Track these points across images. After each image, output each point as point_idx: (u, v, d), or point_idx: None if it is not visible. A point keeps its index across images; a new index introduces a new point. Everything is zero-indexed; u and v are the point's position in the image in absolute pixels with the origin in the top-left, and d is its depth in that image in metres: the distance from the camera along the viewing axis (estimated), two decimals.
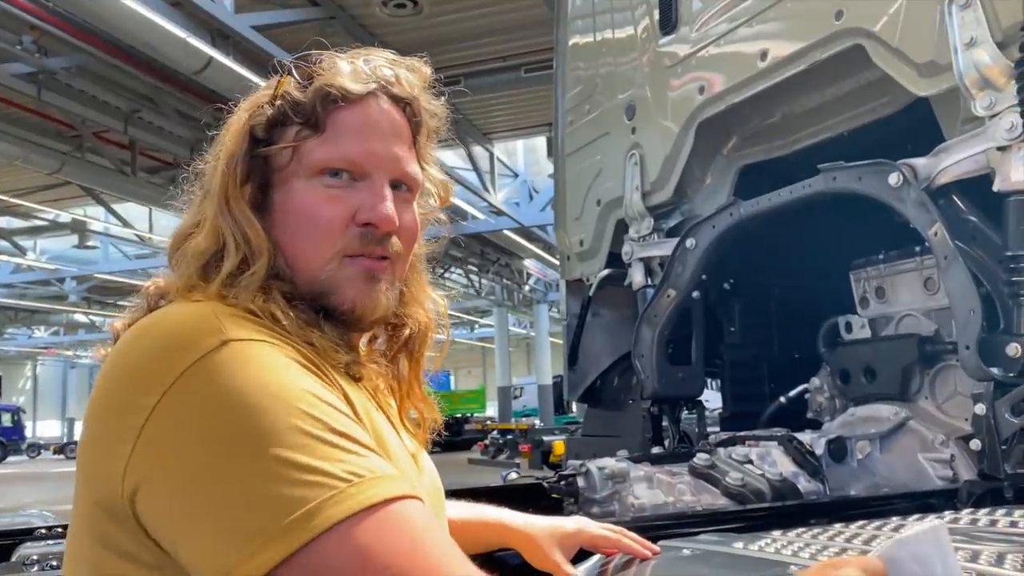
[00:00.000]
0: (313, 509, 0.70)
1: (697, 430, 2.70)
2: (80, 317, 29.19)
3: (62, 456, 28.91)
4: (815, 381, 2.51)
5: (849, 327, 2.47)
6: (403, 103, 0.98)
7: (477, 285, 23.08)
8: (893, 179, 1.89)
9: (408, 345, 1.05)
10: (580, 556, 1.26)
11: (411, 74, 1.00)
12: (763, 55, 2.29)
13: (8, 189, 14.12)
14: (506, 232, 16.18)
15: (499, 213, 15.00)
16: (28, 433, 32.36)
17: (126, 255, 19.53)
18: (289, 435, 0.73)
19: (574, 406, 21.87)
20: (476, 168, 13.74)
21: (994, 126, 1.69)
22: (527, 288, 23.45)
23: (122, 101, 10.59)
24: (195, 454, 0.73)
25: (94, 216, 16.71)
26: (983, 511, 1.43)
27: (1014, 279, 1.67)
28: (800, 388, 2.55)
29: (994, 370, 1.66)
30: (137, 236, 16.94)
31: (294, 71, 0.96)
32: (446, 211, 1.13)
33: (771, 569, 1.09)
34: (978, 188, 1.82)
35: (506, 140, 14.80)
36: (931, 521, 1.28)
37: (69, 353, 38.40)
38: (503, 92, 11.09)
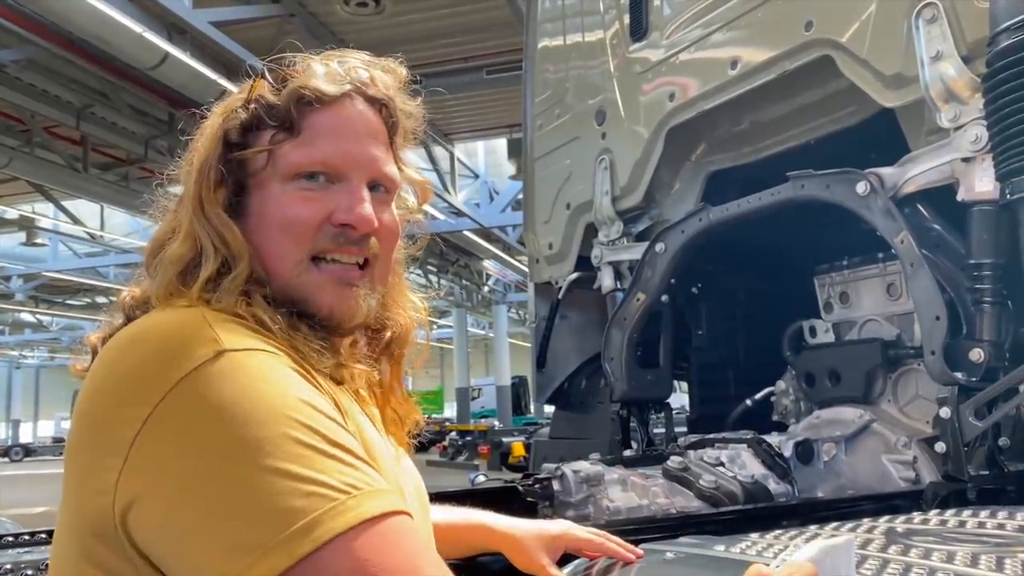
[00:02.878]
0: (313, 521, 0.70)
1: (665, 432, 2.74)
2: (27, 316, 28.45)
3: (6, 459, 28.14)
4: (780, 384, 2.56)
5: (813, 331, 2.52)
6: (379, 104, 0.98)
7: (436, 285, 23.03)
8: (861, 188, 1.94)
9: (389, 347, 1.05)
10: (563, 560, 1.27)
11: (386, 75, 1.00)
12: (733, 63, 2.33)
13: None
14: (466, 233, 16.17)
15: (459, 214, 14.99)
16: None
17: (76, 253, 19.10)
18: (286, 446, 0.73)
19: (532, 407, 21.90)
20: (436, 168, 13.71)
21: (959, 138, 1.74)
22: (486, 289, 23.46)
23: (74, 96, 10.36)
24: (191, 466, 0.72)
25: (43, 213, 16.31)
26: (950, 512, 1.47)
27: (976, 286, 1.73)
28: (766, 391, 2.60)
29: (958, 375, 1.71)
30: (88, 234, 16.59)
31: (267, 74, 0.96)
32: (423, 212, 1.13)
33: None
34: (942, 198, 1.87)
35: (467, 141, 14.80)
36: (847, 532, 1.33)
37: (14, 353, 37.39)
38: (464, 93, 11.09)
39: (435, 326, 33.39)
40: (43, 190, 13.60)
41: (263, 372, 0.78)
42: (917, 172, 1.87)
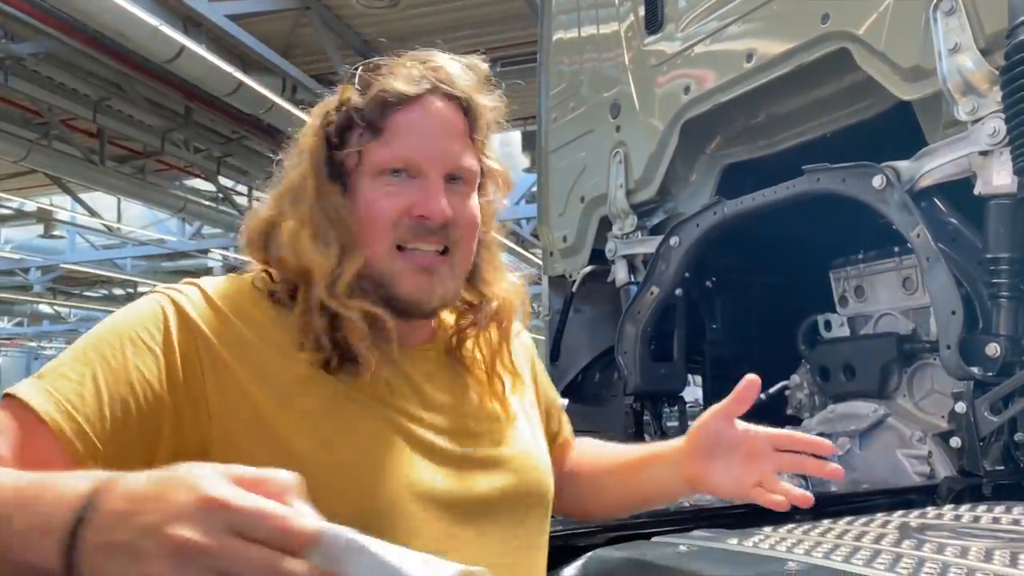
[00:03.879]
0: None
1: (679, 425, 2.74)
2: (45, 308, 28.71)
3: None
4: (795, 378, 2.55)
5: (828, 325, 2.52)
6: (457, 100, 1.04)
7: None
8: (877, 181, 1.93)
9: (497, 317, 1.13)
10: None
11: (466, 71, 1.06)
12: (749, 56, 2.32)
13: None
14: None
15: None
16: None
17: (93, 245, 19.25)
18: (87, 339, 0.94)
19: None
20: None
21: (976, 131, 1.73)
22: None
23: (91, 88, 10.44)
24: None
25: (60, 205, 16.44)
26: (964, 507, 1.47)
27: (994, 281, 1.72)
28: (780, 385, 2.59)
29: (974, 369, 1.71)
30: (105, 226, 16.70)
31: (356, 78, 1.04)
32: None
33: (770, 565, 1.11)
34: (959, 191, 1.86)
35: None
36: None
37: (33, 344, 37.73)
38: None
39: None
40: (60, 182, 13.72)
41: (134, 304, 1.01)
42: (934, 166, 1.86)
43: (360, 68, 1.05)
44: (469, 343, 1.12)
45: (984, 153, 1.71)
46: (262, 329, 0.99)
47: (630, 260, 2.80)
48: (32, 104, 10.94)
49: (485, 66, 1.09)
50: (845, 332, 2.46)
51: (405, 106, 1.02)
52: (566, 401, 3.06)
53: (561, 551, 1.28)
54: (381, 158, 1.01)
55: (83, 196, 15.05)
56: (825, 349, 2.43)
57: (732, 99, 2.41)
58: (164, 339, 0.93)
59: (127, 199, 14.79)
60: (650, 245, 2.69)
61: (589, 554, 1.27)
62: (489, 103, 1.08)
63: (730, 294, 2.85)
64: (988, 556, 1.08)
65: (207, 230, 17.31)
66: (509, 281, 1.16)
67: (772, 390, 2.62)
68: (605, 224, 2.95)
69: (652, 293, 2.60)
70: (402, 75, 1.03)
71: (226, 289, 1.03)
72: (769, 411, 2.58)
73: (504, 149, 15.58)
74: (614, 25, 2.94)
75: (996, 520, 1.30)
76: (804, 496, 1.11)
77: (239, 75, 8.67)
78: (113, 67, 9.79)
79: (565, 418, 1.36)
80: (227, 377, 0.94)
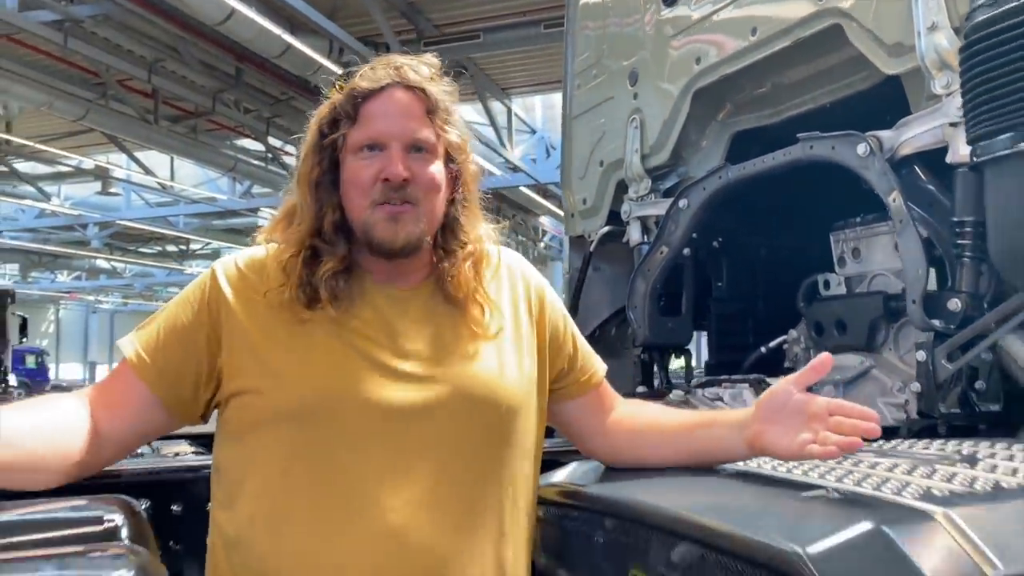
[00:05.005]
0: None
1: (685, 375, 2.94)
2: (102, 263, 29.61)
3: None
4: (793, 333, 2.72)
5: (827, 284, 2.67)
6: (414, 90, 1.33)
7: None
8: (861, 149, 2.09)
9: (472, 258, 1.40)
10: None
11: (420, 67, 1.36)
12: (753, 30, 2.46)
13: (33, 135, 14.36)
14: (522, 188, 16.31)
15: (515, 169, 15.13)
16: (51, 375, 33.01)
17: (147, 202, 19.82)
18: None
19: None
20: (493, 124, 13.86)
21: (948, 103, 1.87)
22: (542, 245, 23.60)
23: (146, 50, 10.76)
24: None
25: (116, 163, 16.96)
26: (910, 441, 1.65)
27: (958, 242, 1.88)
28: (779, 339, 2.77)
29: (935, 322, 1.87)
30: (159, 184, 17.20)
31: (339, 83, 1.36)
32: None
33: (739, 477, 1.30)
34: (938, 159, 2.01)
35: (524, 95, 14.87)
36: None
37: (91, 298, 38.94)
38: (522, 48, 11.17)
39: None
40: (117, 141, 14.17)
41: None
42: (911, 135, 2.01)
43: (341, 75, 1.38)
44: (458, 282, 1.37)
45: (954, 125, 1.86)
46: (266, 282, 1.34)
47: (643, 221, 2.98)
48: (90, 65, 11.30)
49: (436, 61, 1.40)
50: (842, 291, 2.61)
51: (371, 98, 1.33)
52: None
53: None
54: (356, 138, 1.33)
55: (138, 155, 15.51)
56: (820, 306, 2.59)
57: (738, 70, 2.56)
58: (200, 298, 1.36)
59: (180, 158, 15.20)
60: (662, 207, 2.86)
61: (577, 462, 1.49)
62: (440, 89, 1.37)
63: (736, 254, 3.02)
64: (911, 471, 1.27)
65: (256, 189, 17.72)
66: (484, 230, 1.45)
67: (772, 344, 2.80)
68: (622, 187, 3.13)
69: (662, 252, 2.78)
70: (368, 76, 1.34)
71: (251, 257, 1.41)
72: (768, 364, 2.76)
73: (548, 112, 15.61)
74: None
75: (926, 448, 1.49)
76: (851, 443, 1.25)
77: (287, 37, 8.91)
78: (167, 29, 10.09)
79: (587, 358, 1.57)
80: (233, 319, 1.33)
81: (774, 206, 2.82)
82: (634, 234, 3.00)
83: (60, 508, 1.03)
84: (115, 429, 1.31)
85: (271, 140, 14.47)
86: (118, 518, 1.05)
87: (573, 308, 3.37)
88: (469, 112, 14.02)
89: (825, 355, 1.34)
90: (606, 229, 3.20)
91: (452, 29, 10.89)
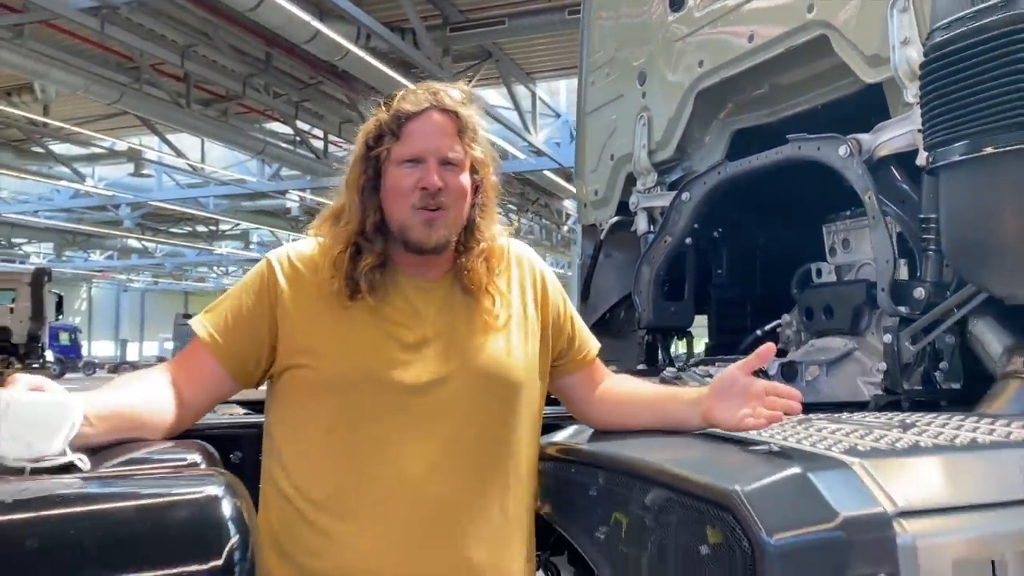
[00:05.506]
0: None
1: (687, 356, 3.16)
2: (133, 242, 30.23)
3: (116, 375, 30.19)
4: (786, 317, 2.93)
5: (819, 272, 2.87)
6: (449, 112, 1.58)
7: (516, 224, 23.49)
8: (842, 150, 2.29)
9: (485, 254, 1.65)
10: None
11: (456, 91, 1.62)
12: (750, 37, 2.66)
13: (69, 117, 14.77)
14: (546, 172, 16.49)
15: (539, 153, 15.32)
16: (84, 352, 33.76)
17: (179, 184, 20.23)
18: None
19: None
20: (518, 107, 14.05)
21: (917, 111, 2.06)
22: (565, 228, 23.79)
23: (179, 35, 11.05)
24: None
25: (149, 145, 17.34)
26: (865, 413, 1.87)
27: (924, 236, 2.08)
28: (774, 323, 2.98)
29: (901, 308, 2.09)
30: (189, 166, 17.59)
31: (384, 104, 1.61)
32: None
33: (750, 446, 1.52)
34: (912, 161, 2.21)
35: (549, 80, 15.03)
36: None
37: (122, 277, 39.72)
38: (547, 33, 11.34)
39: None
40: (149, 124, 14.53)
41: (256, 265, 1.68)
42: (887, 138, 2.20)
43: (387, 98, 1.62)
44: (473, 276, 1.62)
45: (920, 131, 2.06)
46: (315, 273, 1.59)
47: (650, 212, 3.20)
48: (125, 50, 11.62)
49: (468, 88, 1.67)
50: (832, 279, 2.82)
51: (413, 118, 1.58)
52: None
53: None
54: (399, 152, 1.58)
55: (170, 137, 15.88)
56: (810, 293, 2.80)
57: (737, 73, 2.76)
58: (260, 288, 1.61)
59: (210, 140, 15.53)
60: (667, 199, 3.07)
61: (574, 426, 1.73)
62: (472, 111, 1.63)
63: (736, 244, 3.23)
64: (848, 433, 1.49)
65: (285, 171, 18.05)
66: (497, 228, 1.68)
67: (767, 328, 3.01)
68: (630, 180, 3.34)
69: (666, 241, 3.00)
70: (410, 99, 1.59)
71: (302, 249, 1.66)
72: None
73: (572, 96, 15.69)
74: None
75: (876, 418, 1.71)
76: (773, 416, 1.52)
77: (316, 23, 9.14)
78: (200, 15, 10.37)
79: (583, 339, 1.84)
80: (287, 306, 1.59)
81: (773, 199, 3.02)
82: (641, 224, 3.22)
83: (157, 449, 1.31)
84: (194, 397, 1.58)
85: (299, 123, 14.76)
86: (198, 456, 1.32)
87: (585, 293, 3.60)
88: (494, 96, 14.23)
89: (768, 345, 1.59)
90: (615, 219, 3.42)
91: (477, 15, 11.08)
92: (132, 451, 1.29)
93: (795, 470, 1.17)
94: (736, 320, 3.20)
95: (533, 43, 12.33)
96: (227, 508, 1.08)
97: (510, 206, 21.37)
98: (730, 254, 3.23)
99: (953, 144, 1.79)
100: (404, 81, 10.87)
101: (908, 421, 1.61)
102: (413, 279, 1.63)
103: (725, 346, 3.13)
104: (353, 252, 1.57)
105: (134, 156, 17.79)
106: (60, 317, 19.91)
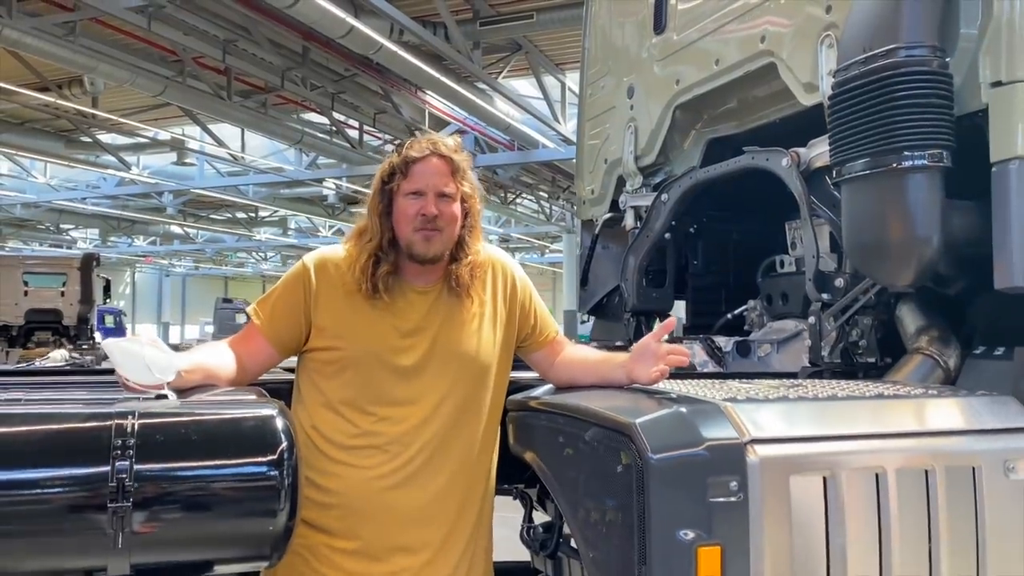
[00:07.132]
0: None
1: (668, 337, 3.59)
2: (176, 229, 31.05)
3: None
4: (752, 303, 3.35)
5: (782, 264, 3.29)
6: (444, 157, 2.09)
7: (547, 211, 23.88)
8: (784, 161, 2.71)
9: (470, 266, 2.16)
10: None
11: (451, 141, 2.13)
12: (717, 61, 3.09)
13: (115, 109, 15.36)
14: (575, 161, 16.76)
15: (569, 143, 15.66)
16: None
17: (220, 172, 20.82)
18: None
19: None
20: (547, 98, 14.41)
21: None
22: None
23: (220, 31, 11.52)
24: None
25: (191, 135, 17.93)
26: (787, 380, 2.31)
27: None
28: (742, 308, 3.41)
29: (824, 295, 2.52)
30: (230, 155, 18.17)
31: (396, 149, 2.11)
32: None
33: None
34: None
35: (578, 70, 15.29)
36: None
37: (165, 262, 40.72)
38: (575, 26, 11.67)
39: (547, 250, 34.57)
40: (192, 115, 15.10)
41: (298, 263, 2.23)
42: (818, 152, 2.62)
43: (397, 145, 2.16)
44: (458, 282, 2.14)
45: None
46: (343, 275, 2.12)
47: (636, 210, 3.63)
48: (170, 45, 12.15)
49: (460, 138, 2.25)
50: (793, 270, 3.24)
51: (417, 161, 2.09)
52: (592, 319, 3.97)
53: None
54: (406, 187, 2.09)
55: (211, 127, 16.45)
56: (770, 281, 3.23)
57: (707, 91, 3.19)
58: (298, 286, 2.13)
59: (250, 130, 16.04)
60: (650, 199, 3.51)
61: (546, 385, 2.21)
62: (462, 157, 2.14)
63: (710, 238, 3.67)
64: (741, 386, 1.94)
65: (322, 160, 18.58)
66: (481, 247, 2.19)
67: (736, 312, 3.44)
68: (621, 181, 3.79)
69: (648, 236, 3.45)
70: (416, 147, 2.11)
71: (331, 254, 2.17)
72: (734, 328, 3.41)
73: None
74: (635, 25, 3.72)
75: (779, 380, 2.15)
76: (663, 371, 2.08)
77: (351, 20, 9.60)
78: (240, 11, 10.86)
79: (544, 324, 2.35)
80: (319, 300, 2.11)
81: (747, 200, 3.45)
82: (628, 220, 3.66)
83: (230, 391, 1.87)
84: (252, 363, 2.15)
85: (335, 114, 15.23)
86: (255, 396, 1.84)
87: (583, 280, 4.05)
88: (524, 87, 14.59)
89: (670, 319, 2.08)
90: (608, 215, 3.87)
91: (507, 9, 11.43)
92: (214, 391, 1.87)
93: (679, 409, 1.63)
94: (710, 304, 3.64)
95: (562, 35, 12.65)
96: (279, 422, 1.64)
97: (541, 193, 21.76)
98: (705, 247, 3.66)
99: (847, 163, 2.21)
100: (435, 74, 11.34)
101: (802, 383, 2.06)
102: (414, 284, 2.15)
103: (700, 327, 3.57)
104: (374, 262, 2.08)
105: (177, 146, 18.35)
106: (108, 300, 20.63)
